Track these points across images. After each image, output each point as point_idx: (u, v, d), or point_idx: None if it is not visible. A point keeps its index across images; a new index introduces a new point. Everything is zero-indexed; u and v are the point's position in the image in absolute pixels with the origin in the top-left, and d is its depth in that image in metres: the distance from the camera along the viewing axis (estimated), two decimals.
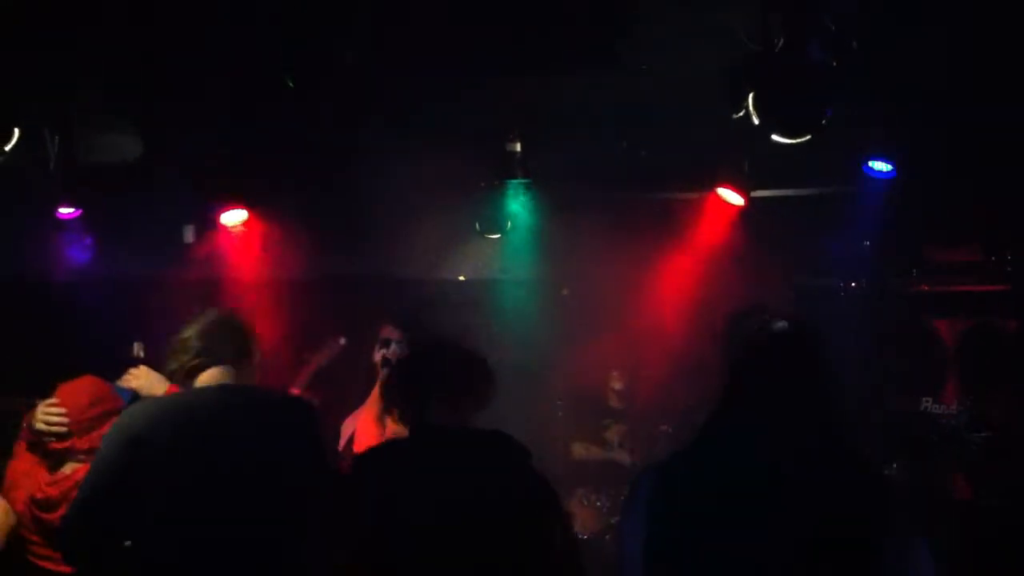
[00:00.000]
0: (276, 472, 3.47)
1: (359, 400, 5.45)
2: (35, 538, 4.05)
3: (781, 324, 2.86)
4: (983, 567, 4.54)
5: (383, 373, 5.21)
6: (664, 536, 2.70)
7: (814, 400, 2.72)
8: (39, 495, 4.00)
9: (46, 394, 4.21)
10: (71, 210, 6.52)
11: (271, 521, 3.42)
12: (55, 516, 3.90)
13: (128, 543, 3.44)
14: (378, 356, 5.49)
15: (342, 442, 5.28)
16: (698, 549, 2.65)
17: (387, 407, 4.37)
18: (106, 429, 3.91)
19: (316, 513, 3.43)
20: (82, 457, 4.00)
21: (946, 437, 4.57)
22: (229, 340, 3.72)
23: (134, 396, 4.10)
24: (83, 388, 4.16)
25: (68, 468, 4.06)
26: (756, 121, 4.31)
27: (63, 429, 4.05)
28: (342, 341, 6.29)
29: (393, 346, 5.45)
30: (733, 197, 6.55)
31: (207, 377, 3.66)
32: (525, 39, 5.08)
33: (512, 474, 3.28)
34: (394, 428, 4.37)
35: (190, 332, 3.71)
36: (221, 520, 3.38)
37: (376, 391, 5.11)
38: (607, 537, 6.31)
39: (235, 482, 3.42)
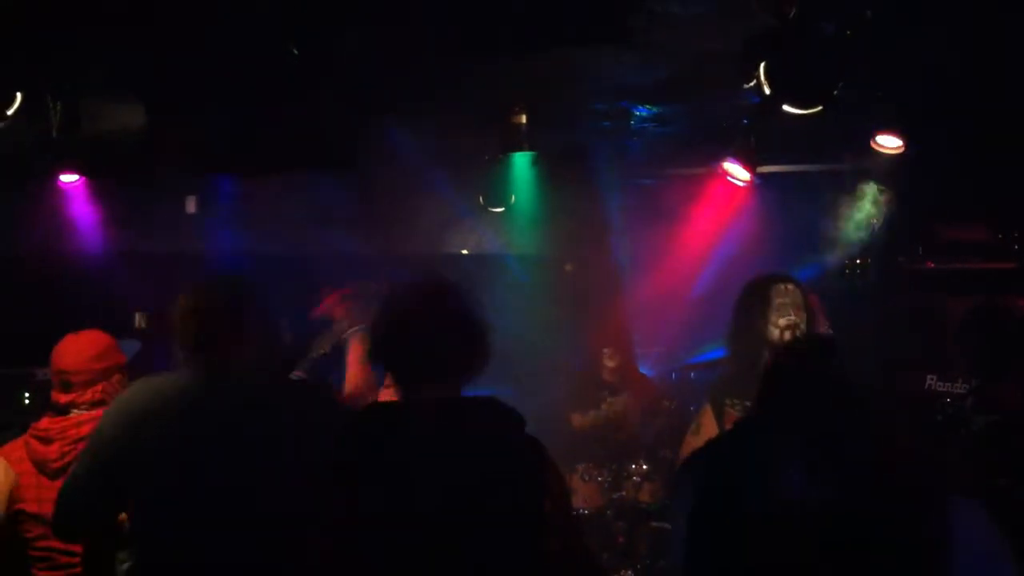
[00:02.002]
0: (281, 459, 3.40)
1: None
2: (31, 504, 4.07)
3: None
4: None
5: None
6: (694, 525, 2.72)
7: (844, 402, 2.71)
8: (40, 428, 4.13)
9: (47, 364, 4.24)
10: (73, 178, 6.46)
11: (274, 510, 3.35)
12: (50, 450, 4.05)
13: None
14: None
15: None
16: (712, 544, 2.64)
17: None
18: (110, 383, 4.13)
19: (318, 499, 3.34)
20: (85, 407, 4.10)
21: (950, 418, 4.54)
22: (215, 327, 3.52)
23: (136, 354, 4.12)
24: (89, 341, 4.21)
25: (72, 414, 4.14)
26: (767, 91, 4.25)
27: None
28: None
29: None
30: (740, 172, 6.50)
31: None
32: (537, 12, 5.02)
33: (506, 447, 3.14)
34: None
35: (183, 316, 3.53)
36: (222, 508, 3.33)
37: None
38: (608, 512, 6.30)
39: (238, 469, 3.36)
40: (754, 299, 4.85)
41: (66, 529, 3.55)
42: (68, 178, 6.39)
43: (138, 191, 6.98)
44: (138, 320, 6.36)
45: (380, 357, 3.19)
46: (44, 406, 4.31)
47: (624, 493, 6.35)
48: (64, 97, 5.60)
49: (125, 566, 3.63)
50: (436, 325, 3.09)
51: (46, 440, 4.10)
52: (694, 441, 5.04)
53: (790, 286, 4.81)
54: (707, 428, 4.96)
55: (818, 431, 2.62)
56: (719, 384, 5.06)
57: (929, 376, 5.76)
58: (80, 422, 4.05)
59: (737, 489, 2.65)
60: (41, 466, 4.09)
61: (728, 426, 4.82)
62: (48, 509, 3.59)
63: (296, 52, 5.12)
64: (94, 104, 5.85)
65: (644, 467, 6.35)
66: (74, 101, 5.65)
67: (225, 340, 3.51)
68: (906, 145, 5.69)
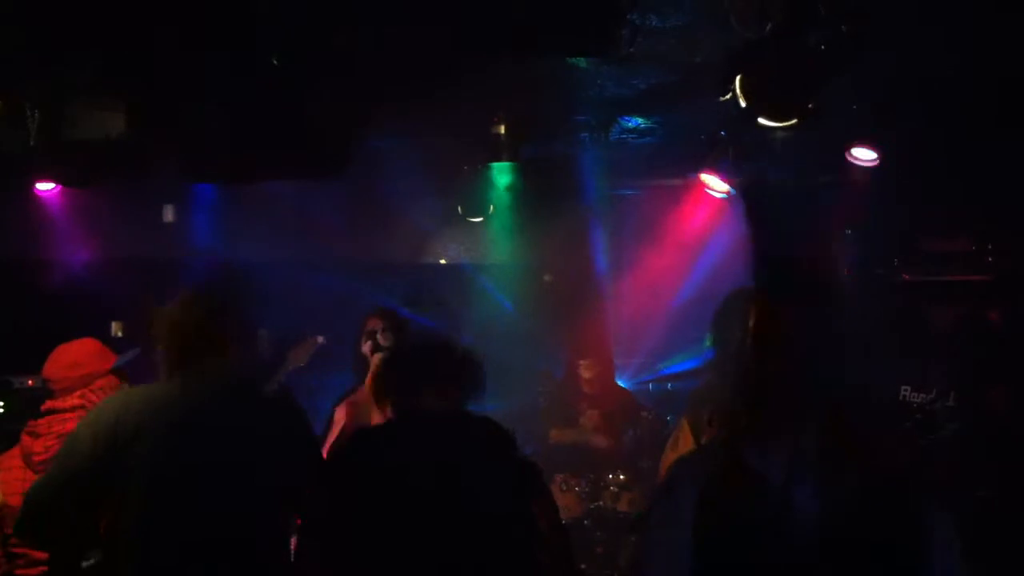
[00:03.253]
0: (259, 467, 3.42)
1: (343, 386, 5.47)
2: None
3: None
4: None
5: (374, 362, 5.19)
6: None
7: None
8: (31, 424, 4.32)
9: (28, 371, 4.41)
10: (50, 187, 6.43)
11: (254, 518, 3.38)
12: (36, 444, 4.23)
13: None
14: (366, 348, 5.50)
15: (335, 431, 5.24)
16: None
17: (380, 396, 4.33)
18: (90, 390, 4.28)
19: (301, 504, 3.42)
20: (67, 411, 4.27)
21: (920, 424, 4.57)
22: (202, 335, 3.57)
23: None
24: (69, 349, 4.40)
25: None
26: (743, 104, 4.28)
27: None
28: (320, 340, 6.22)
29: (378, 335, 5.46)
30: (717, 184, 6.53)
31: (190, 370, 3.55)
32: (518, 24, 5.02)
33: (497, 458, 3.26)
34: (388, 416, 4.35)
35: (163, 328, 3.59)
36: (201, 517, 3.34)
37: (368, 381, 5.10)
38: (586, 522, 6.31)
39: (216, 477, 3.37)
40: (731, 312, 4.89)
41: (28, 529, 3.53)
42: (44, 186, 6.36)
43: (115, 198, 6.95)
44: (114, 329, 6.32)
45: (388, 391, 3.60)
46: (22, 413, 4.43)
47: (602, 503, 6.36)
48: (43, 104, 5.58)
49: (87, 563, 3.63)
50: (434, 366, 3.47)
51: (35, 435, 4.27)
52: (673, 454, 5.06)
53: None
54: (685, 440, 4.99)
55: (802, 438, 2.64)
56: (697, 395, 5.08)
57: (904, 387, 5.78)
58: (65, 419, 4.19)
59: (724, 499, 2.67)
60: (27, 460, 4.24)
61: (705, 439, 4.85)
62: None
63: (276, 63, 5.12)
64: (74, 110, 5.83)
65: (622, 477, 6.37)
66: (53, 108, 5.63)
67: (208, 351, 3.55)
68: (881, 158, 5.72)
